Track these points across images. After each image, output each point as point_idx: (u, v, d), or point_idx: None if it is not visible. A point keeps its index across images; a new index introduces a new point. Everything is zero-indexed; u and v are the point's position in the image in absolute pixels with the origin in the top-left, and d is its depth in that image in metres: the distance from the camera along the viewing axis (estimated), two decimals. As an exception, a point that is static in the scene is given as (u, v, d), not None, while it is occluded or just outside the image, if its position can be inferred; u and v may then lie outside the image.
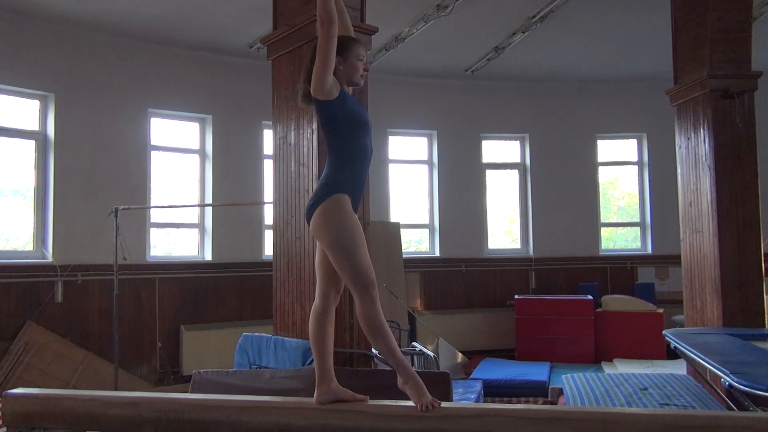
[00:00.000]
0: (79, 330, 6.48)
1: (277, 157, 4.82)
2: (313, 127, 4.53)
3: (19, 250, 6.45)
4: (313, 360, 4.16)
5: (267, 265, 7.74)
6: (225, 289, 7.51)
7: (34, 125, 6.57)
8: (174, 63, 7.38)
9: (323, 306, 2.76)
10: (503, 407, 2.51)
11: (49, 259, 6.42)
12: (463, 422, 2.47)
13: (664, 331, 5.07)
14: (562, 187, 9.11)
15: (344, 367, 4.29)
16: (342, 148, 2.74)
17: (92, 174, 6.75)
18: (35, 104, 6.59)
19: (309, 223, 2.76)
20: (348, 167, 2.73)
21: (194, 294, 7.30)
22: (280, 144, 4.83)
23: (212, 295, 7.43)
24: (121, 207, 6.14)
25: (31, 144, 6.55)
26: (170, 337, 7.01)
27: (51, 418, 3.01)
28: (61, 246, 6.48)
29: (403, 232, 8.45)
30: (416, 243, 9.18)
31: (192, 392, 4.16)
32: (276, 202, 4.78)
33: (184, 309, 7.20)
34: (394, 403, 2.59)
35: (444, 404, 2.58)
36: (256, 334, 4.72)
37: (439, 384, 3.88)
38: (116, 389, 5.68)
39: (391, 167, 8.87)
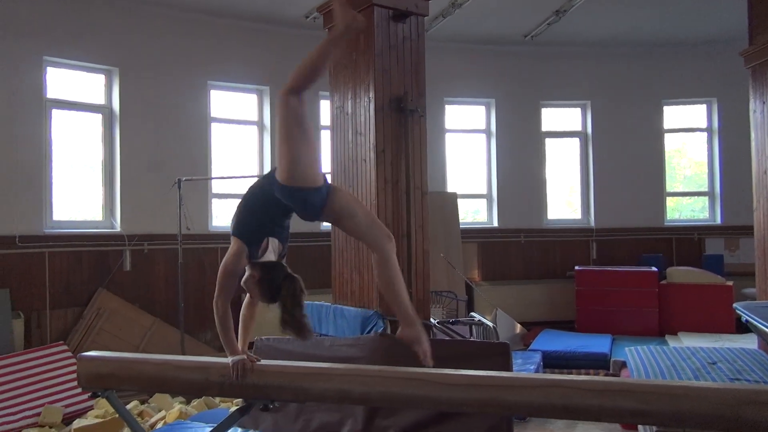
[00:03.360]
0: (146, 297, 6.73)
1: (334, 127, 4.83)
2: (370, 95, 4.51)
3: (90, 220, 6.71)
4: (372, 328, 4.21)
5: (324, 235, 7.84)
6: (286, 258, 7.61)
7: (100, 99, 6.77)
8: (232, 35, 7.45)
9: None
10: (566, 378, 2.47)
11: (118, 228, 6.67)
12: (525, 393, 2.44)
13: (734, 304, 4.88)
14: (625, 156, 8.81)
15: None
16: None
17: (156, 146, 6.93)
18: (101, 78, 6.78)
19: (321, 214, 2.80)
20: None
21: (255, 263, 7.43)
22: (337, 113, 4.83)
23: (272, 264, 7.55)
24: (184, 178, 6.30)
25: (98, 117, 6.76)
26: (232, 305, 7.17)
27: (123, 380, 3.14)
28: (129, 216, 6.71)
29: (460, 202, 8.37)
30: (473, 213, 9.09)
31: (255, 358, 4.26)
32: (334, 172, 4.80)
33: (245, 278, 7.35)
34: (455, 372, 2.58)
35: (505, 374, 2.56)
36: (315, 302, 4.79)
37: (499, 354, 3.86)
38: (182, 354, 5.88)
39: (448, 137, 8.76)
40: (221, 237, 7.26)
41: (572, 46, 8.69)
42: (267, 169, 7.62)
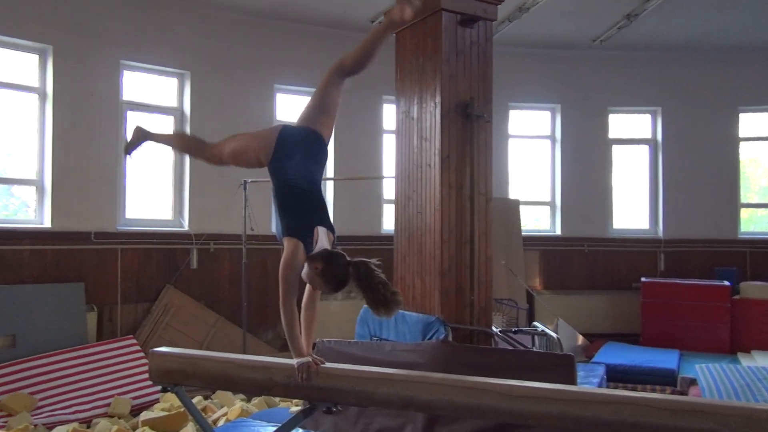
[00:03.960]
0: (211, 295, 6.91)
1: (399, 132, 4.84)
2: (436, 101, 4.49)
3: (160, 219, 6.94)
4: (434, 334, 4.19)
5: (385, 239, 7.86)
6: (344, 261, 7.69)
7: (173, 102, 7.00)
8: (298, 39, 7.57)
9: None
10: (638, 395, 2.38)
11: (186, 228, 6.87)
12: (593, 408, 2.38)
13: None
14: (697, 164, 8.49)
15: (464, 344, 4.28)
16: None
17: (223, 148, 7.09)
18: (174, 82, 7.01)
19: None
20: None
21: (316, 265, 7.53)
22: (402, 118, 4.83)
23: (332, 267, 7.63)
24: (249, 180, 6.43)
25: (170, 120, 6.98)
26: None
27: (190, 377, 3.22)
28: (196, 216, 6.91)
29: (522, 209, 8.24)
30: (534, 220, 8.93)
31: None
32: (398, 177, 4.81)
33: (307, 279, 7.46)
34: (521, 384, 2.53)
35: (573, 389, 2.50)
36: (376, 306, 4.80)
37: (563, 366, 3.77)
38: (244, 352, 6.00)
39: (512, 142, 8.64)
40: (284, 238, 7.39)
41: (642, 50, 8.44)
42: (330, 173, 7.71)
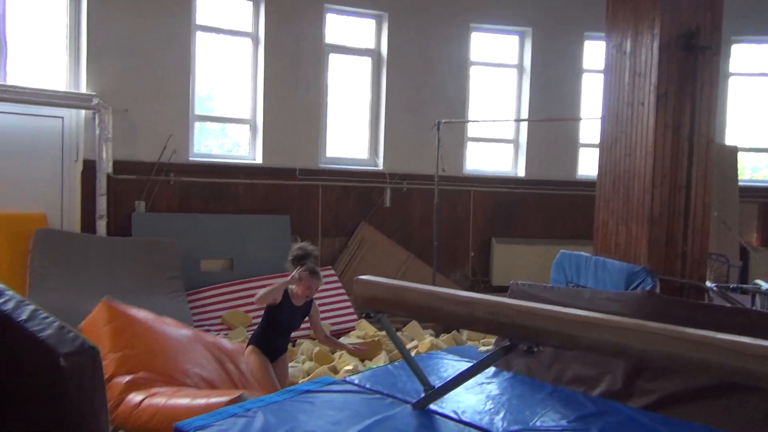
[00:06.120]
0: (403, 232, 7.13)
1: (609, 68, 4.50)
2: (654, 32, 4.09)
3: (357, 158, 7.23)
4: (639, 285, 3.93)
5: (580, 184, 7.51)
6: (536, 206, 7.52)
7: (371, 44, 7.15)
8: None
9: None
10: None
11: (380, 167, 7.09)
12: None
13: None
14: None
15: (673, 297, 3.97)
16: None
17: (418, 89, 7.16)
18: (372, 23, 7.14)
19: None
20: None
21: (506, 208, 7.46)
22: (613, 54, 4.47)
23: (523, 211, 7.51)
24: (443, 120, 6.44)
25: (367, 61, 7.16)
26: (482, 248, 7.32)
27: (393, 305, 3.32)
28: (390, 156, 7.09)
29: (740, 156, 7.37)
30: (751, 170, 7.96)
31: (511, 302, 4.25)
32: (605, 117, 4.50)
33: (496, 222, 7.42)
34: (759, 342, 2.27)
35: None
36: (574, 252, 4.62)
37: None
38: (434, 290, 6.12)
39: (732, 81, 7.69)
40: (475, 180, 7.36)
41: None
42: (525, 114, 7.48)
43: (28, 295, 4.93)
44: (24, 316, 2.20)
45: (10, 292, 2.38)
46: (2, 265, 5.07)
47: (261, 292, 3.64)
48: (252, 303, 5.81)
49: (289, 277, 3.64)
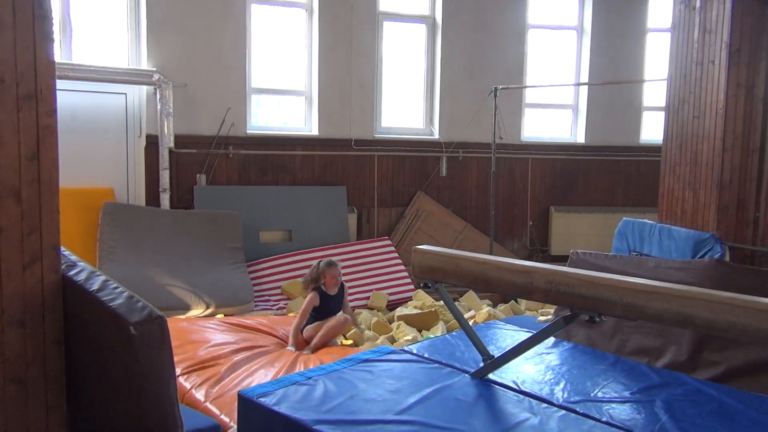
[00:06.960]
0: (459, 202, 7.07)
1: (677, 25, 4.28)
2: (726, -14, 3.85)
3: (412, 127, 7.17)
4: (707, 252, 3.79)
5: (643, 150, 7.27)
6: (596, 173, 7.32)
7: (425, 10, 7.03)
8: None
9: None
10: None
11: (436, 136, 7.02)
12: None
13: None
14: None
15: (743, 265, 3.82)
16: None
17: (473, 56, 7.01)
18: (425, -11, 7.01)
19: None
20: None
21: (565, 176, 7.29)
22: (681, 9, 4.25)
23: (582, 178, 7.33)
24: (500, 87, 6.30)
25: (422, 28, 7.05)
26: (540, 217, 7.20)
27: (450, 275, 3.31)
28: (446, 124, 7.01)
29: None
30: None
31: (571, 270, 4.17)
32: (672, 77, 4.31)
33: (554, 190, 7.27)
34: (838, 312, 2.15)
35: None
36: (638, 219, 4.48)
37: None
38: (492, 259, 6.07)
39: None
40: (532, 147, 7.21)
41: None
42: (584, 78, 7.24)
43: (98, 266, 5.15)
44: (96, 287, 2.30)
45: (82, 263, 2.48)
46: (74, 237, 5.30)
47: (294, 324, 4.33)
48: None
49: (299, 316, 4.37)
